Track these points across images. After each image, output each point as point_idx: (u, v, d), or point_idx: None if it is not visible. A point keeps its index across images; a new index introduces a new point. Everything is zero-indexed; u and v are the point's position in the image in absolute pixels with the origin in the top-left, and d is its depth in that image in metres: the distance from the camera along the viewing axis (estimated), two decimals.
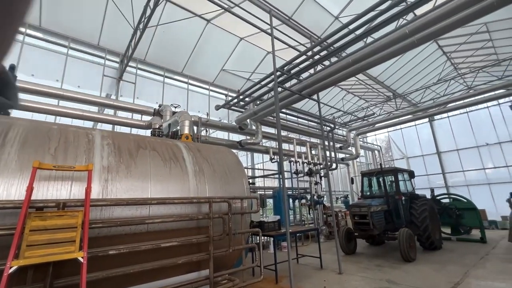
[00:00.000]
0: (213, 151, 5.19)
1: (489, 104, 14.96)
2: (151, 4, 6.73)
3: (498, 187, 14.39)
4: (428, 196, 10.11)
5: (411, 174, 9.23)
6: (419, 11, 6.09)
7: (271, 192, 11.77)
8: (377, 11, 5.68)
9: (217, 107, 10.18)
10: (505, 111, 14.60)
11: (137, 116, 8.75)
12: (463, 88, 14.72)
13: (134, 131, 8.50)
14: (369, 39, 6.73)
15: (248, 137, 10.74)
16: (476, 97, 12.36)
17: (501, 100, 14.31)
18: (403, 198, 8.20)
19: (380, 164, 10.60)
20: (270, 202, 13.07)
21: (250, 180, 11.71)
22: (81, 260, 2.29)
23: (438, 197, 10.53)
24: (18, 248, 2.17)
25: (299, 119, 12.88)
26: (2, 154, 2.78)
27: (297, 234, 7.63)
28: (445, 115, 16.92)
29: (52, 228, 2.43)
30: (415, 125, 18.58)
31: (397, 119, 15.15)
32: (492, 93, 11.93)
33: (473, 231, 10.40)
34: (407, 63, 12.77)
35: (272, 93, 8.19)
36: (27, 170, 2.73)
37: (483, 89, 11.93)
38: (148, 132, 8.13)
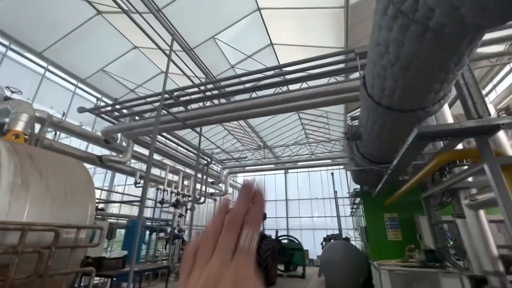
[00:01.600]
0: (56, 162, 4.06)
1: (322, 168, 20.30)
2: None
3: (318, 232, 18.90)
4: (273, 236, 11.83)
5: (264, 216, 10.65)
6: (292, 87, 7.88)
7: (126, 221, 10.18)
8: (263, 75, 6.86)
9: (81, 109, 8.37)
10: (329, 175, 20.25)
11: None
12: (309, 153, 19.40)
13: None
14: (254, 95, 7.88)
15: (114, 154, 9.24)
16: (315, 161, 16.57)
17: (329, 167, 19.81)
18: None
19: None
20: (122, 232, 11.17)
21: (100, 205, 9.79)
22: None
23: (280, 238, 12.51)
24: None
25: (178, 147, 12.51)
26: None
27: (145, 273, 6.74)
28: (295, 170, 21.36)
29: None
30: (275, 174, 22.26)
31: (264, 166, 17.72)
32: (323, 161, 16.42)
33: (298, 268, 12.83)
34: (278, 122, 15.66)
35: (155, 113, 7.68)
36: None
37: (320, 157, 16.24)
38: None
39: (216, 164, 17.91)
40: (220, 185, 17.13)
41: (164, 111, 6.95)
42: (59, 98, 9.37)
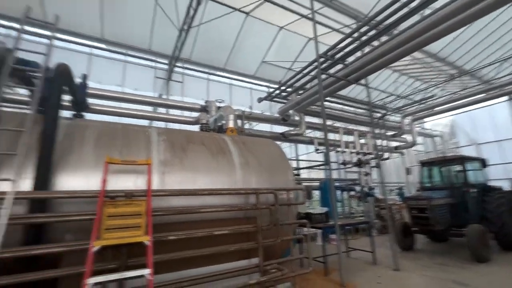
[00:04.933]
0: (258, 144, 5.27)
1: None
2: (194, 4, 7.02)
3: None
4: (507, 188, 8.65)
5: (483, 163, 7.99)
6: None
7: (317, 184, 11.49)
8: None
9: (259, 100, 10.25)
10: None
11: (186, 113, 9.37)
12: None
13: (185, 127, 9.13)
14: (427, 11, 5.92)
15: (292, 128, 10.60)
16: None
17: None
18: (473, 190, 7.17)
19: (443, 152, 9.41)
20: (316, 194, 12.80)
21: (295, 172, 11.59)
22: (147, 243, 2.58)
23: None
24: (99, 231, 2.55)
25: (345, 107, 12.17)
26: (81, 151, 3.27)
27: (346, 227, 7.34)
28: None
29: (122, 214, 2.79)
30: (490, 105, 15.83)
31: (464, 100, 13.13)
32: None
33: None
34: (477, 33, 10.92)
35: (316, 81, 7.86)
36: (100, 165, 3.16)
37: None
38: (197, 128, 8.65)
39: (393, 114, 15.63)
40: (404, 136, 14.86)
41: (323, 75, 6.95)
42: (243, 97, 12.03)
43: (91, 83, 8.38)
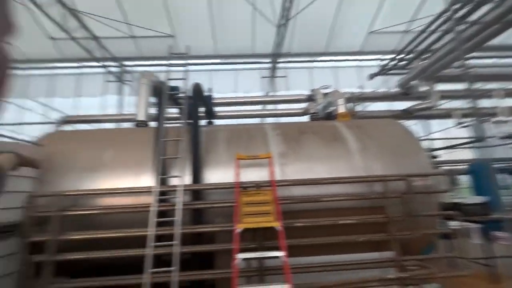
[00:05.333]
0: (375, 125, 4.71)
1: None
2: None
3: None
4: None
5: None
6: None
7: (464, 167, 9.01)
8: None
9: (371, 76, 9.11)
10: None
11: (294, 106, 9.61)
12: None
13: (294, 119, 9.39)
14: None
15: (417, 102, 8.79)
16: None
17: None
18: None
19: None
20: (464, 179, 10.07)
21: (430, 153, 9.59)
22: (278, 228, 2.85)
23: None
24: (239, 216, 3.05)
25: (501, 60, 8.88)
26: (217, 151, 3.99)
27: None
28: None
29: (254, 202, 3.20)
30: None
31: None
32: None
33: None
34: None
35: (446, 38, 6.13)
36: (231, 161, 3.75)
37: None
38: (306, 119, 8.71)
39: None
40: None
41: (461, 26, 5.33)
42: (350, 78, 11.04)
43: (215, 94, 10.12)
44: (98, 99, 11.14)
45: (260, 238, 3.11)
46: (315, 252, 3.62)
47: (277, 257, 2.69)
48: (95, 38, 9.35)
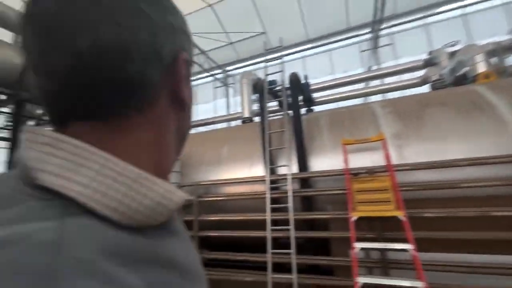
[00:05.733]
0: None
1: None
2: None
3: None
4: None
5: None
6: None
7: None
8: None
9: None
10: None
11: (405, 77, 8.10)
12: None
13: (408, 93, 7.92)
14: None
15: None
16: None
17: None
18: None
19: None
20: None
21: None
22: (402, 218, 2.51)
23: None
24: (352, 204, 2.88)
25: None
26: (321, 138, 3.90)
27: None
28: None
29: (368, 190, 2.94)
30: None
31: None
32: None
33: None
34: None
35: None
36: (336, 147, 3.57)
37: None
38: (425, 89, 7.16)
39: None
40: None
41: None
42: (489, 23, 8.19)
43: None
44: (210, 104, 13.15)
45: (378, 228, 2.83)
46: (450, 249, 2.95)
47: (405, 250, 2.38)
48: (203, 52, 11.00)
